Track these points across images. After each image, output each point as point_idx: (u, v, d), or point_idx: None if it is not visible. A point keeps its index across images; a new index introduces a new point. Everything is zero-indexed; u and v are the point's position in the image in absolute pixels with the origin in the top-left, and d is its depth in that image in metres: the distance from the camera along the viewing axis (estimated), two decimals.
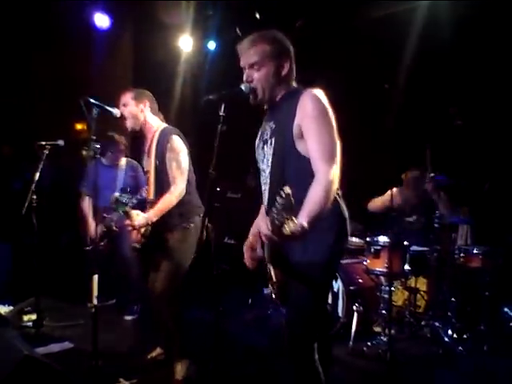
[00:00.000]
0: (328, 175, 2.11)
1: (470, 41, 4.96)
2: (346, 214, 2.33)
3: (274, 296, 2.39)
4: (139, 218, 3.31)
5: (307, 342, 2.28)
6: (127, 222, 3.36)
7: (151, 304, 3.59)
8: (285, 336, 2.31)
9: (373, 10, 5.57)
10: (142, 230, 3.38)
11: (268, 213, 2.31)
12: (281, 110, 2.33)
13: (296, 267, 2.23)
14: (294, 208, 1.86)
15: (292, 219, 1.86)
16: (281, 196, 1.85)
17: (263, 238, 2.12)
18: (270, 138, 2.34)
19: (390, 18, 5.46)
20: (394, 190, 4.30)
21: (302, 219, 1.98)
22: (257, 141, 2.50)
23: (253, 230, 2.60)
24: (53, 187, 6.08)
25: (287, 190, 1.83)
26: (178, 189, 3.31)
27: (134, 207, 3.57)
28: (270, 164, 2.33)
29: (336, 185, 2.14)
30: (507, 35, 4.76)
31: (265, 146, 2.38)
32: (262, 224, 2.12)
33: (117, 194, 3.25)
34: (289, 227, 1.87)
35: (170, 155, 3.34)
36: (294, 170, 2.23)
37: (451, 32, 5.00)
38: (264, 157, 2.38)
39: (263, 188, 2.42)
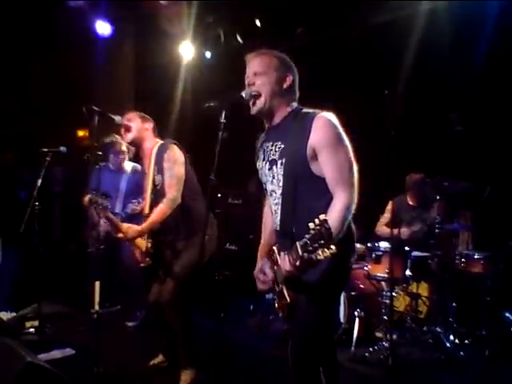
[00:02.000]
0: (345, 200, 2.15)
1: (468, 46, 4.98)
2: (355, 230, 2.35)
3: (281, 314, 2.38)
4: (130, 230, 3.33)
5: (313, 357, 2.30)
6: (119, 234, 3.38)
7: (155, 312, 3.58)
8: (290, 350, 2.32)
9: (372, 17, 5.59)
10: (143, 247, 3.39)
11: (280, 235, 2.36)
12: (288, 129, 2.32)
13: (309, 285, 2.23)
14: (330, 236, 1.83)
15: (330, 246, 1.83)
16: (315, 223, 1.83)
17: (284, 273, 2.13)
18: (280, 158, 2.32)
19: (389, 25, 5.49)
20: (391, 203, 4.39)
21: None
22: (259, 162, 2.48)
23: (260, 254, 2.58)
24: (62, 193, 6.12)
25: (322, 216, 1.83)
26: (170, 199, 3.30)
27: (127, 218, 3.58)
28: (281, 185, 2.33)
29: (353, 208, 2.18)
30: (507, 40, 4.77)
31: (273, 167, 2.35)
32: (281, 258, 2.15)
33: (90, 196, 3.21)
34: (324, 253, 1.84)
35: (167, 165, 3.36)
36: (309, 191, 2.25)
37: (449, 38, 5.02)
38: (273, 178, 2.36)
39: (274, 209, 2.40)
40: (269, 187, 2.42)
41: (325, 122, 2.23)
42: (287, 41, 2.46)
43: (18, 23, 6.06)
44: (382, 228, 4.87)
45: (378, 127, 4.78)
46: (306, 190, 2.26)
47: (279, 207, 2.35)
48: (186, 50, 6.91)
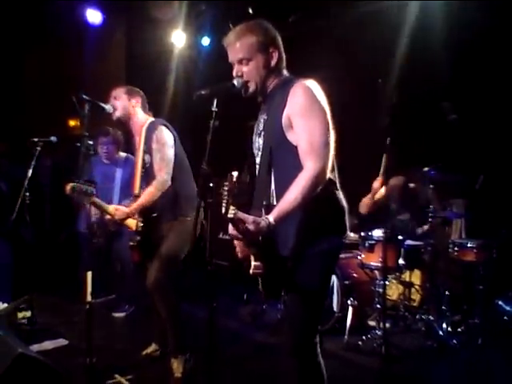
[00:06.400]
0: (313, 171, 2.07)
1: (462, 36, 4.96)
2: (345, 206, 2.29)
3: (260, 287, 2.33)
4: (118, 212, 3.31)
5: (310, 339, 2.25)
6: (107, 217, 3.37)
7: (151, 300, 3.57)
8: (285, 333, 2.29)
9: (365, 6, 5.56)
10: (133, 226, 3.37)
11: (255, 207, 2.30)
12: (272, 100, 2.29)
13: (290, 259, 2.17)
14: (237, 194, 1.88)
15: (232, 204, 1.89)
16: (228, 180, 1.87)
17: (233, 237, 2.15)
18: (263, 129, 2.32)
19: (382, 14, 5.45)
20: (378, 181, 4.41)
21: (271, 216, 2.02)
22: (254, 136, 2.45)
23: None
24: (51, 184, 6.07)
25: (234, 174, 1.84)
26: (160, 181, 3.30)
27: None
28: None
29: (323, 179, 2.10)
30: (500, 28, 4.76)
31: (259, 139, 2.35)
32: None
33: (72, 184, 3.09)
34: (230, 213, 1.90)
35: (156, 146, 3.34)
36: (285, 161, 2.19)
37: (444, 26, 5.00)
38: (259, 150, 2.35)
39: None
40: (257, 160, 2.38)
41: (301, 90, 2.17)
42: (280, 28, 2.41)
43: (8, 13, 5.98)
44: (362, 203, 4.73)
45: (372, 116, 4.78)
46: (282, 161, 2.20)
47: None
48: (178, 39, 6.86)
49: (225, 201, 1.90)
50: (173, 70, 7.20)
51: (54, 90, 6.38)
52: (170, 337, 3.43)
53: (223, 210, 1.93)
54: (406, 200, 4.80)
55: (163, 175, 3.30)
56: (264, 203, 2.28)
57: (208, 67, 6.99)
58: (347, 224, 2.30)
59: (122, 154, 5.02)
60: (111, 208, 3.34)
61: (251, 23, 2.34)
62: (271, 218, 2.02)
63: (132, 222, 3.40)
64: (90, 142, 3.12)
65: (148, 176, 3.39)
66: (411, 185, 4.76)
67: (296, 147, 2.16)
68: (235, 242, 2.44)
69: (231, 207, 1.90)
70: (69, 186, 3.13)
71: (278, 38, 2.34)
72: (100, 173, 4.81)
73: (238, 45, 2.29)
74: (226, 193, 1.90)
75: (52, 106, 6.39)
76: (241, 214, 1.98)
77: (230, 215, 1.91)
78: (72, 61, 6.53)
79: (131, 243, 3.41)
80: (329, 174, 2.15)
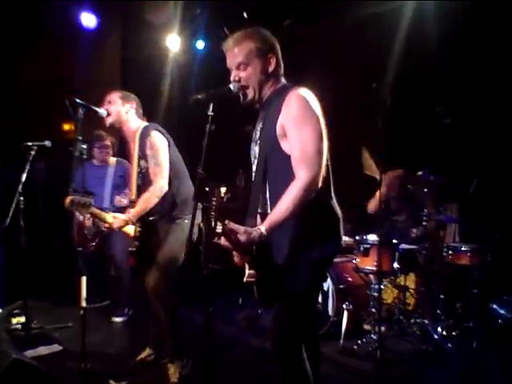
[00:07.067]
0: (305, 180, 2.06)
1: (456, 40, 4.99)
2: (339, 213, 2.30)
3: (255, 294, 2.33)
4: (117, 220, 3.30)
5: (293, 344, 2.25)
6: (105, 225, 3.35)
7: (148, 305, 3.56)
8: (270, 337, 2.29)
9: (360, 9, 5.58)
10: (132, 232, 3.37)
11: (249, 215, 2.31)
12: (269, 108, 2.29)
13: (283, 268, 2.18)
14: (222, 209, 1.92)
15: (219, 219, 1.93)
16: (215, 195, 1.90)
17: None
18: (259, 138, 2.32)
19: (376, 17, 5.48)
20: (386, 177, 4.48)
21: (263, 226, 2.04)
22: (251, 144, 2.45)
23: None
24: (45, 188, 6.05)
25: (222, 190, 1.86)
26: (157, 187, 3.29)
27: (115, 211, 3.55)
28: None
29: (315, 188, 2.09)
30: (494, 33, 4.79)
31: (255, 148, 2.35)
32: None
33: (71, 197, 3.10)
34: (217, 228, 1.95)
35: (150, 152, 3.33)
36: (280, 170, 2.19)
37: (438, 31, 5.03)
38: (255, 158, 2.35)
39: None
40: (253, 168, 2.38)
41: (295, 98, 2.18)
42: (275, 32, 2.42)
43: (2, 16, 5.96)
44: (370, 203, 4.75)
45: (365, 119, 4.79)
46: (276, 170, 2.21)
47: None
48: (173, 42, 6.86)
49: (212, 216, 1.93)
50: (167, 74, 7.20)
51: (48, 93, 6.35)
52: (168, 342, 3.42)
53: (212, 225, 1.96)
54: (404, 196, 4.80)
55: (159, 181, 3.29)
56: (259, 211, 2.30)
57: (203, 71, 7.00)
58: (342, 231, 2.31)
59: (114, 158, 5.03)
60: (109, 216, 3.33)
61: (250, 30, 2.34)
62: (263, 228, 2.03)
63: (130, 229, 3.39)
64: (84, 146, 3.10)
65: (144, 181, 3.39)
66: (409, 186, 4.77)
67: (290, 156, 2.16)
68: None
69: (218, 222, 1.94)
70: (67, 200, 3.12)
71: (276, 46, 2.35)
72: (91, 176, 4.78)
73: (236, 50, 2.29)
74: (213, 208, 1.91)
75: (46, 109, 6.37)
76: (232, 225, 1.99)
77: (217, 230, 1.94)
78: (66, 64, 6.51)
79: (130, 249, 3.40)
80: (322, 182, 2.14)
